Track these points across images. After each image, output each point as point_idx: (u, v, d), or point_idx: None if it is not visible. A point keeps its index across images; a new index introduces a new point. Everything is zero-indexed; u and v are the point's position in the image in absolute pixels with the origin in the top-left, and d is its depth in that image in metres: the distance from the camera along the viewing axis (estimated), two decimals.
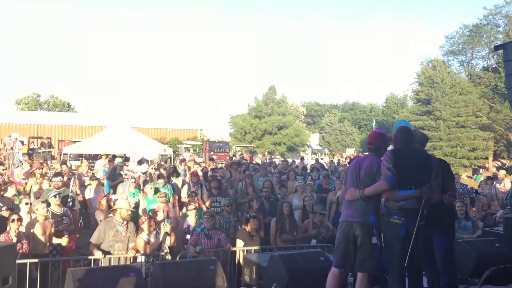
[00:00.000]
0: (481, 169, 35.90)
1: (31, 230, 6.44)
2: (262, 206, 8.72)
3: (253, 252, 6.67)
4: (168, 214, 8.03)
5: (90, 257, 6.23)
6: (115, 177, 11.50)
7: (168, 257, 6.62)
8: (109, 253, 6.29)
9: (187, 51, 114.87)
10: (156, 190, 9.01)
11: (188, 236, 7.17)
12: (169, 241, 6.69)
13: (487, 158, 39.73)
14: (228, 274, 6.21)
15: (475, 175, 30.32)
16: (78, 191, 9.77)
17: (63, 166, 13.27)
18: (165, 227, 6.70)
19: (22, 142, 24.15)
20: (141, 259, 6.43)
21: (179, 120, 45.01)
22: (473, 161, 38.34)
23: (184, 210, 8.97)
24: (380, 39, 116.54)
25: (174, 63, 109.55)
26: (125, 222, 6.52)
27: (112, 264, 6.14)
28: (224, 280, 4.83)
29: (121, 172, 11.43)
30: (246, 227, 7.32)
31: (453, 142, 38.55)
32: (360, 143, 56.28)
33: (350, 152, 45.81)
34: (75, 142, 27.10)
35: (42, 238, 6.45)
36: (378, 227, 4.22)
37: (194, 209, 7.74)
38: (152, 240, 6.64)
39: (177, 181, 11.52)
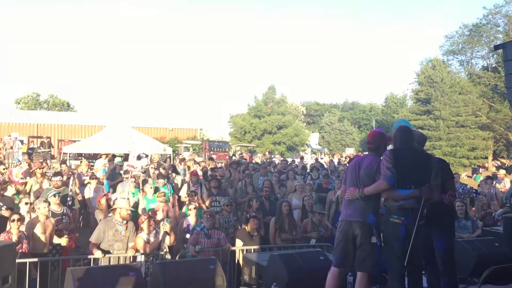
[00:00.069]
0: (480, 169, 35.90)
1: (32, 230, 6.44)
2: (262, 206, 8.72)
3: (252, 251, 6.67)
4: (168, 213, 8.04)
5: (89, 256, 6.23)
6: (114, 176, 11.50)
7: (168, 256, 6.62)
8: (108, 252, 6.29)
9: (187, 50, 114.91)
10: (156, 190, 9.01)
11: (188, 235, 7.17)
12: (168, 240, 6.69)
13: (486, 158, 39.75)
14: (228, 274, 6.21)
15: (475, 175, 30.34)
16: (78, 191, 9.77)
17: (63, 165, 13.28)
18: (165, 227, 6.70)
19: (21, 142, 24.14)
20: (140, 258, 6.43)
21: (178, 120, 45.01)
22: (472, 160, 38.35)
23: (183, 209, 8.97)
24: (380, 38, 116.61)
25: (174, 62, 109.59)
26: (124, 222, 6.52)
27: (111, 263, 6.14)
28: (223, 280, 4.83)
29: (121, 172, 11.42)
30: (246, 227, 7.32)
31: (452, 142, 38.57)
32: (360, 143, 56.28)
33: (350, 151, 45.81)
34: (74, 141, 27.13)
35: (42, 238, 6.45)
36: (378, 226, 4.22)
37: (195, 208, 7.74)
38: (152, 239, 6.64)
39: (177, 180, 11.52)
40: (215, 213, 7.54)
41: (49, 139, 28.73)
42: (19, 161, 14.73)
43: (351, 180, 4.40)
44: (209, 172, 12.02)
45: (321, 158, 29.40)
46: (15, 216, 6.30)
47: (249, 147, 41.27)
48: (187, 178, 11.44)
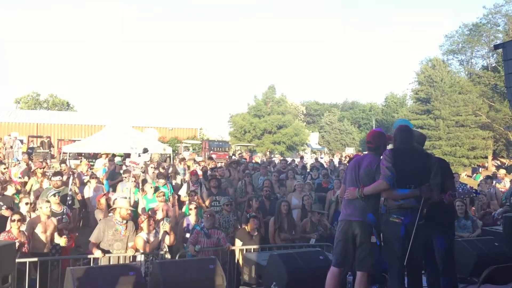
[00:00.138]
0: (480, 168, 35.90)
1: (33, 229, 6.44)
2: (263, 205, 8.73)
3: (252, 251, 6.67)
4: (168, 213, 8.04)
5: (89, 256, 6.22)
6: (114, 176, 11.50)
7: (168, 256, 6.62)
8: (108, 252, 6.29)
9: (187, 50, 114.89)
10: (156, 189, 9.01)
11: (188, 235, 7.17)
12: (168, 240, 6.69)
13: (486, 157, 39.74)
14: (228, 273, 6.21)
15: (475, 174, 30.35)
16: (77, 190, 9.77)
17: (63, 165, 13.28)
18: (164, 226, 6.70)
19: (21, 141, 24.12)
20: (140, 258, 6.43)
21: (178, 119, 45.01)
22: (472, 160, 38.36)
23: (183, 209, 8.97)
24: (379, 38, 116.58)
25: (174, 62, 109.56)
26: (124, 221, 6.51)
27: (111, 263, 6.13)
28: (223, 279, 4.82)
29: (121, 172, 11.42)
30: (246, 227, 7.32)
31: (452, 141, 38.57)
32: (360, 142, 56.28)
33: (350, 151, 45.81)
34: (74, 141, 27.11)
35: (43, 237, 6.45)
36: (378, 226, 4.22)
37: (195, 208, 7.74)
38: (152, 239, 6.64)
39: (177, 180, 11.52)
40: (215, 212, 7.54)
41: (49, 139, 28.73)
42: (18, 160, 14.74)
43: (350, 180, 4.39)
44: (209, 172, 12.02)
45: (321, 158, 29.41)
46: (16, 216, 6.31)
47: (249, 146, 41.27)
48: (187, 177, 11.44)
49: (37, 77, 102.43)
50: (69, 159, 19.66)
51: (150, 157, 12.53)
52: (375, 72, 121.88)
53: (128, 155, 17.04)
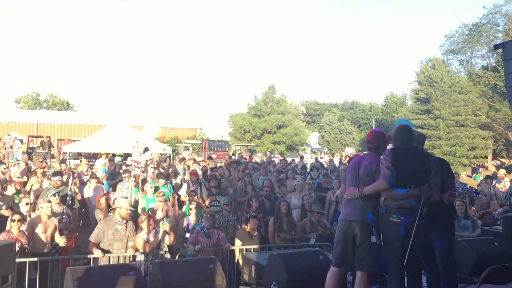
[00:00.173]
0: (480, 168, 35.89)
1: (33, 229, 6.44)
2: (263, 205, 8.73)
3: (252, 251, 6.67)
4: (167, 213, 8.04)
5: (89, 256, 6.23)
6: (114, 176, 11.49)
7: (167, 256, 6.62)
8: (108, 252, 6.29)
9: (187, 50, 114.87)
10: (156, 189, 9.01)
11: (188, 235, 7.17)
12: (168, 239, 6.69)
13: (486, 157, 39.75)
14: (228, 273, 6.21)
15: (474, 174, 30.34)
16: (77, 190, 9.77)
17: (62, 165, 13.28)
18: (164, 226, 6.70)
19: (21, 141, 24.11)
20: (140, 258, 6.43)
21: (178, 119, 45.00)
22: (472, 160, 38.36)
23: (183, 208, 8.97)
24: (379, 38, 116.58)
25: (174, 62, 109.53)
26: (124, 221, 6.52)
27: (111, 263, 6.14)
28: (223, 279, 4.82)
29: (121, 171, 11.41)
30: (246, 227, 7.32)
31: (452, 141, 38.57)
32: (360, 142, 56.27)
33: (350, 151, 45.81)
34: (74, 141, 27.09)
35: (43, 237, 6.45)
36: (377, 226, 4.22)
37: (195, 208, 7.74)
38: (151, 239, 6.64)
39: (177, 179, 11.51)
40: (215, 212, 7.54)
41: (49, 139, 28.71)
42: (18, 160, 14.74)
43: (350, 180, 4.40)
44: (209, 172, 12.02)
45: (321, 158, 29.40)
46: (16, 216, 6.31)
47: (248, 146, 41.26)
48: (187, 177, 11.43)
49: (37, 77, 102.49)
50: (69, 159, 19.64)
51: (151, 156, 12.47)
52: (375, 72, 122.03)
53: (128, 155, 17.01)
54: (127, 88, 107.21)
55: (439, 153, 35.15)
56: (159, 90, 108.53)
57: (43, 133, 32.50)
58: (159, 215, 7.72)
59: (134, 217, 7.45)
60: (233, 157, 25.14)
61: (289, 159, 19.44)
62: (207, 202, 8.89)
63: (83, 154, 21.54)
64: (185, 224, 7.58)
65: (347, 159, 23.16)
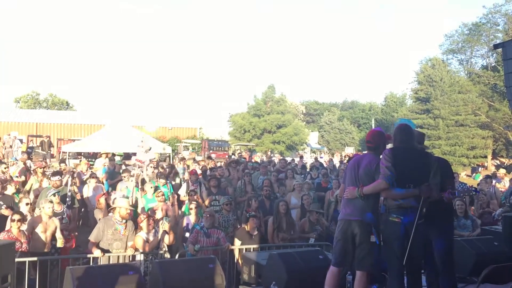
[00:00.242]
0: (480, 168, 35.88)
1: (33, 229, 6.44)
2: (263, 205, 8.72)
3: (252, 250, 6.67)
4: (167, 212, 8.04)
5: (89, 255, 6.23)
6: (114, 175, 11.49)
7: (167, 255, 6.62)
8: (108, 251, 6.30)
9: (186, 49, 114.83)
10: (156, 189, 9.00)
11: (187, 234, 7.17)
12: (167, 239, 6.69)
13: (486, 157, 39.76)
14: (227, 273, 6.21)
15: (474, 174, 30.31)
16: (76, 190, 9.76)
17: (62, 164, 13.28)
18: (164, 226, 6.70)
19: (21, 141, 24.09)
20: (139, 257, 6.43)
21: (178, 119, 44.98)
22: (472, 159, 38.37)
23: (183, 208, 8.97)
24: (379, 37, 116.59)
25: (173, 61, 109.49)
26: (124, 221, 6.52)
27: (111, 262, 6.14)
28: (223, 279, 4.82)
29: (120, 171, 11.40)
30: (246, 226, 7.32)
31: (452, 141, 38.58)
32: (359, 142, 56.24)
33: (349, 150, 45.79)
34: (74, 140, 27.06)
35: (43, 237, 6.45)
36: (377, 225, 4.22)
37: (195, 207, 7.74)
38: (151, 238, 6.64)
39: (176, 179, 11.51)
40: (214, 212, 7.54)
41: (48, 138, 28.68)
42: (16, 159, 14.74)
43: (350, 179, 4.40)
44: (208, 172, 12.01)
45: (321, 157, 29.39)
46: (16, 216, 6.31)
47: (248, 146, 41.26)
48: (186, 176, 11.43)
49: (37, 77, 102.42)
50: (68, 158, 19.62)
51: (155, 156, 12.46)
52: (374, 71, 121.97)
53: (128, 154, 16.97)
54: (127, 88, 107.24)
55: (439, 152, 35.16)
56: (159, 90, 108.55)
57: (42, 133, 32.48)
58: (158, 214, 7.72)
59: (134, 216, 7.45)
60: (232, 156, 25.14)
61: (288, 159, 19.44)
62: (206, 202, 8.89)
63: (82, 153, 21.52)
64: (184, 224, 7.58)
65: (347, 158, 23.15)
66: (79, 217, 9.97)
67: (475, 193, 5.77)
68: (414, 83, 46.12)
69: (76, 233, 7.97)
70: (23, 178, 11.30)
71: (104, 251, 6.25)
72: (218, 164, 15.92)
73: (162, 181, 9.73)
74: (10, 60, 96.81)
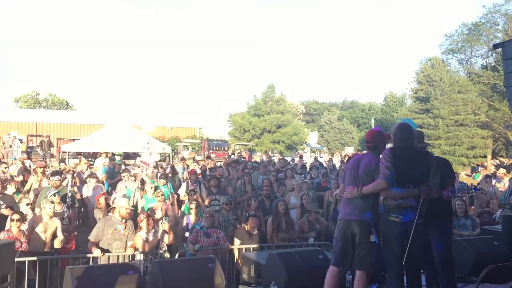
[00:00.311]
0: (479, 168, 35.87)
1: (33, 229, 6.44)
2: (263, 204, 8.72)
3: (251, 250, 6.67)
4: (167, 212, 8.04)
5: (88, 255, 6.23)
6: (113, 175, 11.49)
7: (167, 255, 6.62)
8: (107, 251, 6.30)
9: (186, 49, 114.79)
10: (156, 189, 9.01)
11: (187, 234, 7.17)
12: (167, 239, 6.70)
13: (485, 157, 39.74)
14: (227, 272, 6.21)
15: (474, 174, 30.30)
16: (76, 189, 9.76)
17: (62, 164, 13.28)
18: (163, 225, 6.70)
19: (20, 140, 24.08)
20: (139, 257, 6.43)
21: (178, 118, 44.99)
22: (471, 159, 38.35)
23: (183, 207, 8.97)
24: (379, 37, 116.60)
25: (173, 61, 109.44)
26: (123, 221, 6.52)
27: (110, 262, 6.14)
28: (222, 278, 4.83)
29: (120, 171, 11.40)
30: (245, 226, 7.32)
31: (451, 141, 38.57)
32: (359, 141, 56.21)
33: (349, 150, 45.78)
34: (73, 140, 27.05)
35: (43, 237, 6.44)
36: (376, 225, 4.22)
37: (196, 207, 7.74)
38: (151, 238, 6.64)
39: (175, 179, 11.50)
40: (214, 212, 7.54)
41: (48, 138, 28.67)
42: (15, 159, 14.75)
43: (350, 179, 4.40)
44: (207, 172, 12.01)
45: (321, 157, 29.39)
46: (16, 216, 6.31)
47: (248, 145, 41.25)
48: (186, 176, 11.43)
49: (37, 76, 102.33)
50: (68, 158, 19.62)
51: (159, 158, 12.49)
52: (374, 71, 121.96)
53: (126, 156, 16.95)
54: (126, 88, 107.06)
55: (439, 152, 35.15)
56: (158, 90, 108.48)
57: (42, 133, 32.49)
58: (158, 214, 7.72)
59: (133, 216, 7.46)
60: (232, 156, 25.13)
61: (288, 159, 19.44)
62: (206, 202, 8.89)
63: (82, 153, 21.52)
64: (184, 223, 7.58)
65: (347, 158, 23.14)
66: (79, 217, 9.97)
67: (474, 191, 5.77)
68: (414, 83, 46.11)
69: (76, 233, 7.97)
70: (20, 178, 11.29)
71: (104, 250, 6.25)
72: (218, 164, 15.93)
73: (162, 181, 9.74)
74: (10, 59, 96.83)
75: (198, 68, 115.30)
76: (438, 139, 38.98)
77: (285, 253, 5.40)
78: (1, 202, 7.79)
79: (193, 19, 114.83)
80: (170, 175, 11.78)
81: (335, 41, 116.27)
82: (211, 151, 31.75)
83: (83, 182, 10.65)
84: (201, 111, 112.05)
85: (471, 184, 5.77)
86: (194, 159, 17.67)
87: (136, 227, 6.75)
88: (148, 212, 7.69)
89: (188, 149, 33.43)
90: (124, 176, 10.07)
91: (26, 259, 5.78)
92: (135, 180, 9.56)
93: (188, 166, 13.98)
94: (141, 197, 8.85)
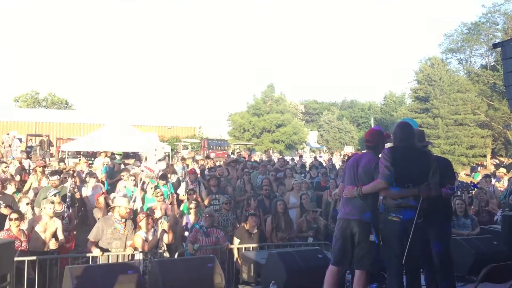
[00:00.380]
0: (479, 167, 35.89)
1: (33, 228, 6.43)
2: (263, 204, 8.72)
3: (251, 249, 6.67)
4: (166, 211, 8.04)
5: (88, 254, 6.23)
6: (113, 175, 11.48)
7: (166, 254, 6.63)
8: (107, 250, 6.29)
9: (186, 48, 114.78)
10: (155, 188, 9.00)
11: (187, 233, 7.17)
12: (166, 238, 6.70)
13: (485, 156, 39.77)
14: (227, 272, 6.21)
15: (473, 173, 30.34)
16: (76, 189, 9.75)
17: (61, 163, 13.27)
18: (163, 225, 6.70)
19: (20, 140, 24.07)
20: (139, 256, 6.43)
21: (178, 118, 44.97)
22: (471, 159, 38.36)
23: (182, 207, 8.97)
24: (379, 37, 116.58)
25: (173, 60, 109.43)
26: (123, 220, 6.52)
27: (110, 261, 6.14)
28: (222, 278, 4.83)
29: (120, 168, 11.40)
30: (245, 225, 7.32)
31: (451, 140, 38.59)
32: (359, 141, 56.17)
33: (349, 149, 45.77)
34: (73, 139, 27.03)
35: (42, 236, 6.44)
36: (376, 224, 4.22)
37: (195, 207, 7.74)
38: (150, 237, 6.64)
39: (173, 178, 11.51)
40: (214, 211, 7.54)
41: (48, 137, 28.65)
42: (14, 158, 14.76)
43: (349, 178, 4.40)
44: (206, 171, 12.01)
45: (320, 157, 29.39)
46: (14, 215, 6.30)
47: (247, 145, 41.22)
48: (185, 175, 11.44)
49: (36, 76, 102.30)
50: (68, 157, 19.61)
51: (167, 165, 12.46)
52: (374, 70, 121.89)
53: (126, 156, 16.96)
54: (126, 87, 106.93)
55: (438, 152, 35.17)
56: (158, 89, 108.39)
57: (42, 132, 32.48)
58: (157, 214, 7.72)
59: (133, 216, 7.45)
60: (232, 156, 25.13)
61: (288, 158, 19.44)
62: (206, 201, 8.89)
63: (82, 152, 21.51)
64: (184, 223, 7.58)
65: (346, 158, 23.13)
66: (78, 216, 9.96)
67: (474, 188, 5.76)
68: (414, 82, 46.09)
69: (75, 232, 7.97)
70: (18, 177, 11.27)
71: (103, 250, 6.25)
72: (218, 163, 15.92)
73: (162, 181, 9.74)
74: (10, 59, 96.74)
75: (198, 68, 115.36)
76: (437, 138, 38.99)
77: (284, 253, 5.40)
78: (1, 202, 7.78)
79: (193, 19, 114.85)
80: (169, 174, 11.78)
81: (334, 41, 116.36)
82: (210, 150, 31.73)
83: (82, 181, 10.65)
84: (201, 111, 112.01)
85: (471, 181, 5.77)
86: (193, 158, 17.67)
87: (136, 227, 6.75)
88: (148, 211, 7.69)
89: (187, 148, 33.41)
90: (123, 176, 10.07)
91: (26, 258, 5.77)
92: (135, 180, 9.56)
93: (188, 165, 13.98)
94: (141, 198, 8.84)
